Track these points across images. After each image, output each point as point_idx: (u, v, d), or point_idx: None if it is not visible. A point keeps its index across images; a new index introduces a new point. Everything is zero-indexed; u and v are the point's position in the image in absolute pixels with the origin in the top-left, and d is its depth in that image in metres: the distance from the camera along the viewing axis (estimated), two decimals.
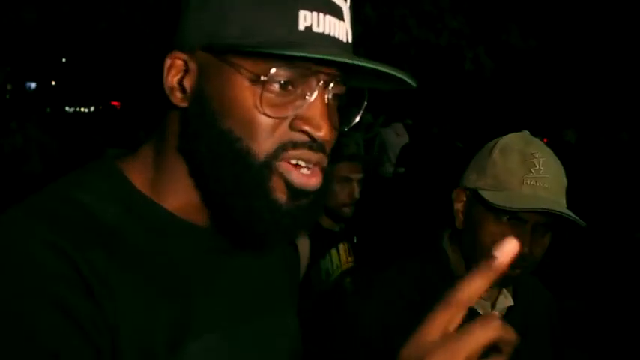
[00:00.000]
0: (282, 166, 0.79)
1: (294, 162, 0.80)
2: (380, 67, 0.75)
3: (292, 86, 0.79)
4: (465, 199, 1.50)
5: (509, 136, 1.50)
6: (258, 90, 0.78)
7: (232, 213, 0.81)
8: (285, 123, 0.79)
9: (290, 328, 1.00)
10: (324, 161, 0.82)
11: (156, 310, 0.79)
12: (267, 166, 0.79)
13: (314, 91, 0.79)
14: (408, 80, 0.78)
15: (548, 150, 1.47)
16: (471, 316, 1.44)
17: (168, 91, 0.83)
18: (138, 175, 0.86)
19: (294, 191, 0.80)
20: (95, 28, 6.03)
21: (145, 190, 0.85)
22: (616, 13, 11.78)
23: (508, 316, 1.51)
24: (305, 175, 0.80)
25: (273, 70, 0.77)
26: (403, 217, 6.79)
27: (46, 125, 8.22)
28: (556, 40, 10.74)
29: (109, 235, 0.79)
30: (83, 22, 6.39)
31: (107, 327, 0.75)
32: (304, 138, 0.79)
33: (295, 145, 0.79)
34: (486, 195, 1.42)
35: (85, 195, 0.81)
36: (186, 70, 0.82)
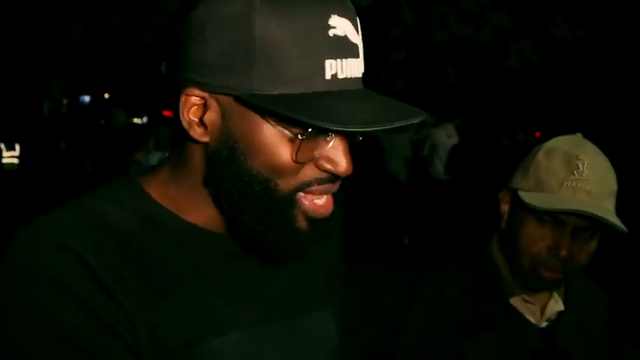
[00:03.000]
0: (303, 199, 0.86)
1: (314, 194, 0.87)
2: (397, 124, 0.80)
3: (316, 133, 0.84)
4: (509, 200, 1.48)
5: (559, 137, 1.48)
6: (292, 143, 0.83)
7: (258, 239, 0.88)
8: (311, 163, 0.85)
9: (323, 329, 1.02)
10: (337, 188, 0.89)
11: (170, 311, 0.85)
12: (290, 199, 0.86)
13: (329, 132, 0.84)
14: (417, 117, 0.83)
15: (598, 153, 1.44)
16: (521, 323, 1.44)
17: (186, 125, 0.85)
18: (158, 190, 0.92)
19: (312, 220, 0.88)
20: (142, 41, 6.17)
21: (166, 204, 0.91)
22: None
23: (558, 322, 1.49)
24: (321, 205, 0.88)
25: (309, 130, 0.82)
26: (454, 220, 6.72)
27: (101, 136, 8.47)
28: (606, 31, 10.44)
29: (125, 241, 0.86)
30: (130, 35, 6.54)
31: (127, 321, 0.82)
32: (328, 175, 0.86)
33: (320, 182, 0.86)
34: (523, 195, 1.41)
35: (104, 205, 0.88)
36: (205, 106, 0.85)
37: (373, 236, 8.17)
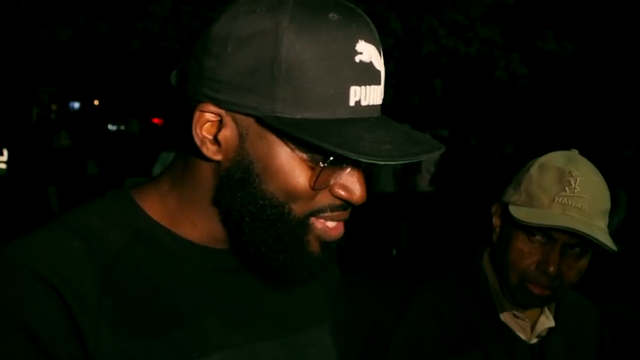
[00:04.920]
0: (316, 223, 0.84)
1: (326, 220, 0.85)
2: (422, 157, 0.79)
3: (337, 161, 0.82)
4: (501, 214, 1.47)
5: (553, 153, 1.46)
6: (311, 170, 0.81)
7: (267, 263, 0.86)
8: (326, 189, 0.83)
9: (320, 344, 1.00)
10: (348, 215, 0.88)
11: (155, 332, 0.82)
12: (304, 223, 0.84)
13: (350, 162, 0.83)
14: (438, 149, 0.82)
15: (592, 170, 1.41)
16: (511, 339, 1.41)
17: (198, 142, 0.82)
18: (153, 204, 0.89)
19: (324, 243, 0.86)
20: (130, 47, 6.12)
21: (160, 219, 0.88)
22: None
23: (548, 338, 1.46)
24: (333, 227, 0.86)
25: (331, 159, 0.80)
26: (442, 232, 6.71)
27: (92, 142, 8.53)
28: (594, 45, 10.53)
29: (114, 260, 0.83)
30: (118, 41, 6.50)
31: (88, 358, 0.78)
32: (341, 202, 0.85)
33: (333, 209, 0.84)
34: (513, 210, 1.39)
35: (94, 222, 0.85)
36: (221, 124, 0.82)
37: (361, 247, 8.14)
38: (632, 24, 11.47)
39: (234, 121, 0.81)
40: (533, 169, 1.42)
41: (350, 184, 0.83)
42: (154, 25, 6.00)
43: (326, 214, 0.84)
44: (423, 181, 8.39)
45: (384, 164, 0.78)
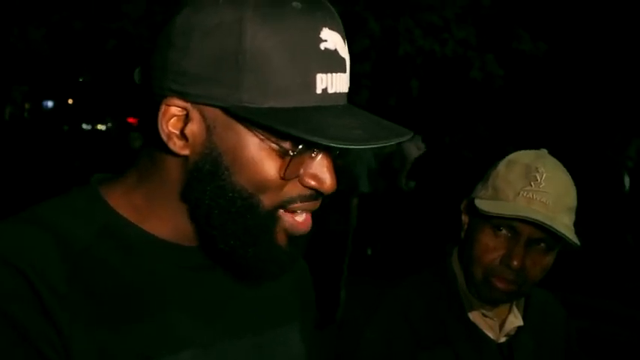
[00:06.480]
0: (284, 216, 0.84)
1: (295, 212, 0.85)
2: (392, 141, 0.79)
3: (306, 149, 0.82)
4: (468, 210, 1.48)
5: (523, 151, 1.48)
6: (280, 159, 0.80)
7: (236, 257, 0.85)
8: (295, 179, 0.83)
9: (290, 342, 0.99)
10: (319, 205, 0.88)
11: (123, 327, 0.81)
12: (272, 215, 0.84)
13: (320, 149, 0.83)
14: (406, 135, 0.82)
15: (559, 168, 1.43)
16: (479, 338, 1.43)
17: (164, 137, 0.81)
18: (119, 199, 0.88)
19: (291, 237, 0.86)
20: (104, 46, 6.08)
21: (127, 214, 0.87)
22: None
23: (517, 337, 1.47)
24: (300, 222, 0.86)
25: (300, 147, 0.80)
26: (417, 230, 6.74)
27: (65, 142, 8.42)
28: (569, 44, 10.66)
29: (79, 255, 0.81)
30: (93, 40, 6.45)
31: (63, 345, 0.77)
32: (311, 192, 0.84)
33: (303, 199, 0.84)
34: (479, 203, 1.41)
35: (60, 217, 0.84)
36: (187, 117, 0.81)
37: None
38: (608, 24, 11.64)
39: (201, 114, 0.80)
40: (501, 165, 1.45)
41: (320, 173, 0.83)
42: (129, 25, 5.96)
43: (296, 205, 0.84)
44: (403, 184, 8.41)
45: (355, 149, 0.77)
